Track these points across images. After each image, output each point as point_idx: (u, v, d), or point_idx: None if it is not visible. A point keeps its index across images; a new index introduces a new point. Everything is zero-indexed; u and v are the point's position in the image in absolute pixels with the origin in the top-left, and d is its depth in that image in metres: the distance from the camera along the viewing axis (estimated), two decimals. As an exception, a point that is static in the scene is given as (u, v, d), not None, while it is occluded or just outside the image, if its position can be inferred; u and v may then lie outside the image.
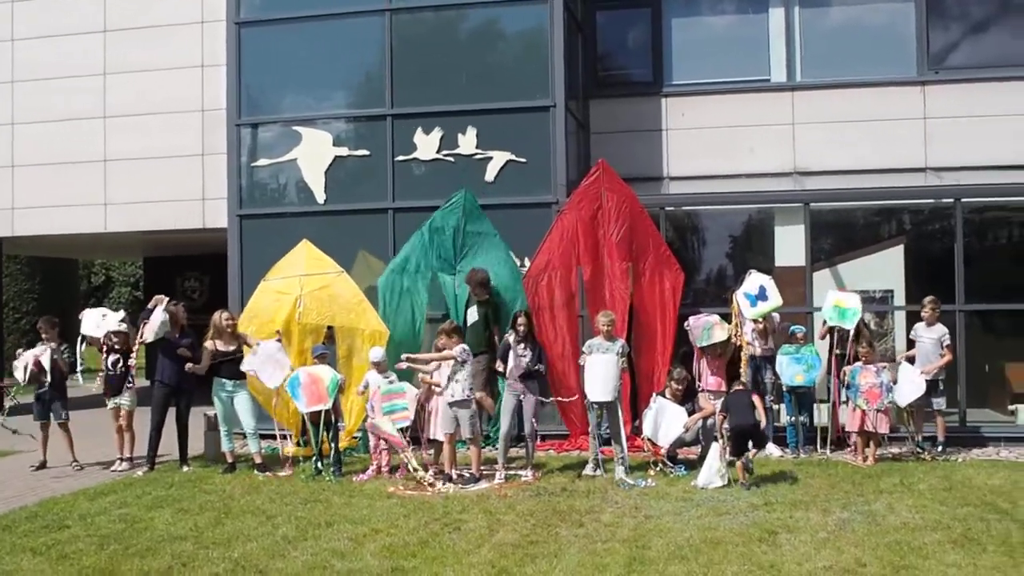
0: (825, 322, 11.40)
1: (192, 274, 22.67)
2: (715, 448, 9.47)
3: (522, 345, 10.35)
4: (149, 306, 11.32)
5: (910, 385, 10.79)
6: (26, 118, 15.96)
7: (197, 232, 15.52)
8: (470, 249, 12.06)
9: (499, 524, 8.12)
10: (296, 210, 13.46)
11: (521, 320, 10.46)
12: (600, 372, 10.09)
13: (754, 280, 11.33)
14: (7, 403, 11.81)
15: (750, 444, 9.43)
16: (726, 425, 9.59)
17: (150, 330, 11.03)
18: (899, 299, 12.56)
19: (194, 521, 8.48)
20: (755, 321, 11.27)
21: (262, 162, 13.60)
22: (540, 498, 9.08)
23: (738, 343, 11.21)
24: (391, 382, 10.57)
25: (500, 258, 12.10)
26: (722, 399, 10.15)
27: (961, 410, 11.81)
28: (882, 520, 8.01)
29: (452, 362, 9.97)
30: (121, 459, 11.37)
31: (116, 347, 11.31)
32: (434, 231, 12.04)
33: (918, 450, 10.95)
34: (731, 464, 9.45)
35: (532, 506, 8.75)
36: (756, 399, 9.91)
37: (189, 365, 10.89)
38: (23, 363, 11.28)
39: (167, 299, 11.34)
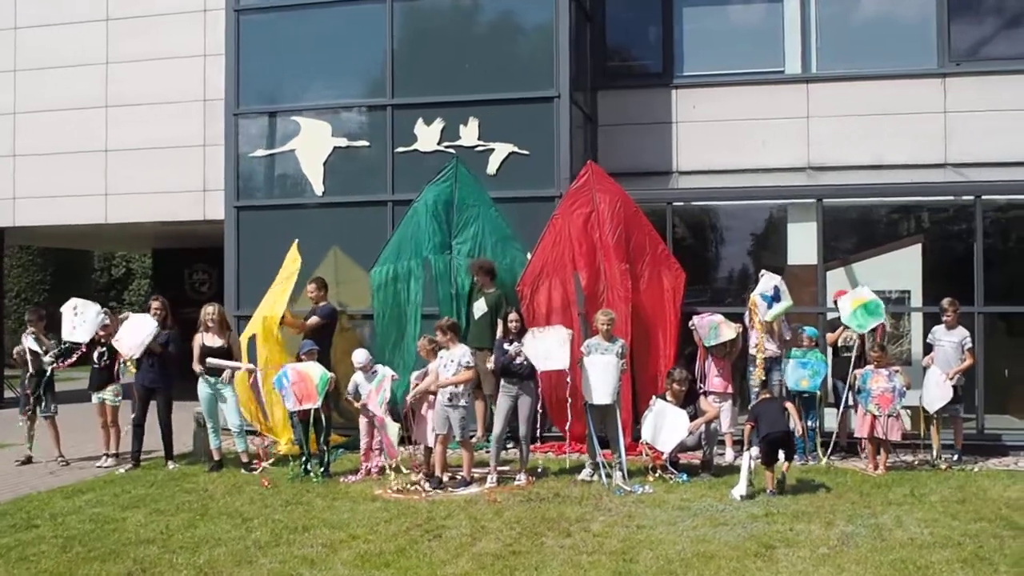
0: (837, 329, 11.01)
1: (200, 266, 22.48)
2: (747, 457, 9.03)
3: (516, 344, 9.92)
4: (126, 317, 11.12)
5: (938, 389, 10.28)
6: (28, 107, 15.73)
7: (198, 224, 15.23)
8: (466, 225, 11.55)
9: (483, 532, 7.75)
10: (294, 202, 13.10)
11: (513, 317, 10.07)
12: (599, 374, 9.68)
13: (768, 281, 10.87)
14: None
15: (781, 454, 9.05)
16: (755, 434, 9.21)
17: (140, 346, 10.71)
18: (916, 300, 12.05)
19: (167, 523, 8.16)
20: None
21: (260, 152, 13.24)
22: (530, 504, 8.69)
23: (754, 348, 10.78)
24: (374, 373, 10.24)
25: (501, 234, 11.61)
26: (751, 407, 9.81)
27: (979, 417, 11.31)
28: (888, 535, 7.57)
29: (448, 361, 9.60)
30: (107, 455, 11.12)
31: (102, 340, 11.00)
32: (425, 209, 11.53)
33: (935, 459, 10.44)
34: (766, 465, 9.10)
35: (520, 513, 8.36)
36: (790, 406, 9.57)
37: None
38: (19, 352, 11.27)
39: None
